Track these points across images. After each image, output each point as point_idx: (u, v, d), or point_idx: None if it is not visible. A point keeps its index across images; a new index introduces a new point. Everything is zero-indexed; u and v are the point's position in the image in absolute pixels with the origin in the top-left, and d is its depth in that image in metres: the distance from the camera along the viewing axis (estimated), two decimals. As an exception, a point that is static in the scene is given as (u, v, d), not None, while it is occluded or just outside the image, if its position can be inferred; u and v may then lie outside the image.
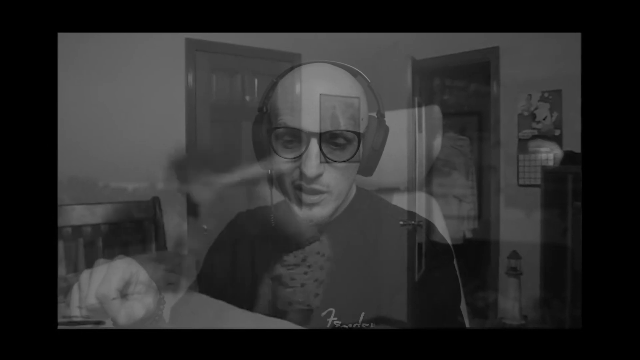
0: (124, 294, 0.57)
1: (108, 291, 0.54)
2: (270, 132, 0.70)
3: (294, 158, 0.68)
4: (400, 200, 0.94)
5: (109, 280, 0.54)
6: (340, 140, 0.67)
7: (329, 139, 0.67)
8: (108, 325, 0.56)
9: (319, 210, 0.69)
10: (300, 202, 0.70)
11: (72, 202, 1.66)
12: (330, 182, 0.68)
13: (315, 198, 0.68)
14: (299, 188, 0.69)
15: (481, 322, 2.65)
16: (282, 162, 0.69)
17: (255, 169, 0.74)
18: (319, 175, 0.67)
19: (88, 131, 2.26)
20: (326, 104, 0.66)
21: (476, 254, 3.16)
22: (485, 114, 3.40)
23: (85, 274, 0.56)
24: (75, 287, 0.55)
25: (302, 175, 0.67)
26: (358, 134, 0.68)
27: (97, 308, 0.54)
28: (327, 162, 0.67)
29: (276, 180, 0.73)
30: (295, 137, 0.67)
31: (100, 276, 0.55)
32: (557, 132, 2.83)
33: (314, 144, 0.66)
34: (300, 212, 0.70)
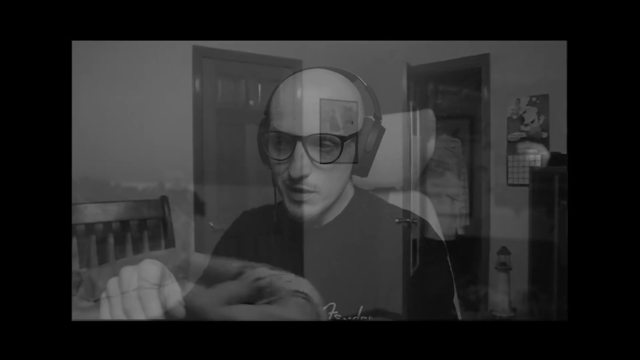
0: (160, 289, 0.53)
1: (149, 288, 0.49)
2: (262, 135, 0.71)
3: (283, 160, 0.68)
4: (396, 200, 0.94)
5: (148, 279, 0.50)
6: (327, 143, 0.67)
7: (315, 141, 0.67)
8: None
9: (308, 208, 0.70)
10: (290, 201, 0.70)
11: (85, 200, 1.66)
12: (317, 183, 0.68)
13: (303, 196, 0.69)
14: (289, 188, 0.69)
15: (473, 315, 2.65)
16: (273, 164, 0.70)
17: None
18: (305, 176, 0.67)
19: (100, 134, 2.27)
20: (326, 108, 0.66)
21: (468, 250, 3.15)
22: (476, 118, 3.40)
23: (112, 283, 0.51)
24: (104, 296, 0.51)
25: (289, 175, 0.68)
26: (342, 138, 0.68)
27: (136, 307, 0.49)
28: (313, 163, 0.67)
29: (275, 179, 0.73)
30: (284, 140, 0.68)
31: (134, 279, 0.50)
32: (544, 135, 2.83)
33: (299, 146, 0.66)
34: (291, 210, 0.71)
